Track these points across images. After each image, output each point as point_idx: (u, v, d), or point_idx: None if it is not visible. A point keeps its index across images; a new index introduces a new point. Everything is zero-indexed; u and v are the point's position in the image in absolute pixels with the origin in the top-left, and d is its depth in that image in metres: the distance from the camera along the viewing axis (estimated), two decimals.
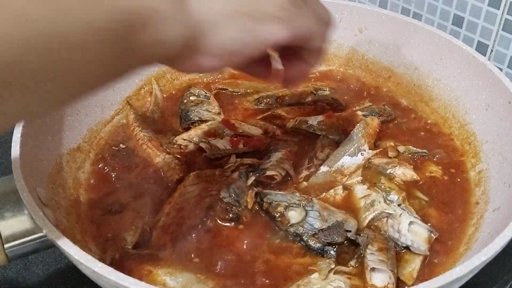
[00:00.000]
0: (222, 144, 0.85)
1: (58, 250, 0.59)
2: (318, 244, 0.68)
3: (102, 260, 0.63)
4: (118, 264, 0.67)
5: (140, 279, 0.64)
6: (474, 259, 0.55)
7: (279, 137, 0.89)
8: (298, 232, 0.70)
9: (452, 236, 0.73)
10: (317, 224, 0.69)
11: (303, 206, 0.72)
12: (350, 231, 0.69)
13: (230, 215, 0.73)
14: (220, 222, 0.73)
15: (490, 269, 0.63)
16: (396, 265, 0.66)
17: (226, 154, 0.83)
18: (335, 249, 0.68)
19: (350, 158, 0.81)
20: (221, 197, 0.74)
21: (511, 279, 0.76)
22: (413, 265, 0.68)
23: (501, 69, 0.96)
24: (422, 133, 0.91)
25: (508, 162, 0.75)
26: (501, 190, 0.74)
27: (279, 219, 0.72)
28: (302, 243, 0.69)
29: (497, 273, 0.76)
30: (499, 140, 0.79)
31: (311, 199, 0.73)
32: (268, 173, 0.78)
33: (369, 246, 0.67)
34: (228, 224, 0.73)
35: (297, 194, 0.74)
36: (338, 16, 1.04)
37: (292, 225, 0.70)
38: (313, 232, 0.69)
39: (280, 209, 0.72)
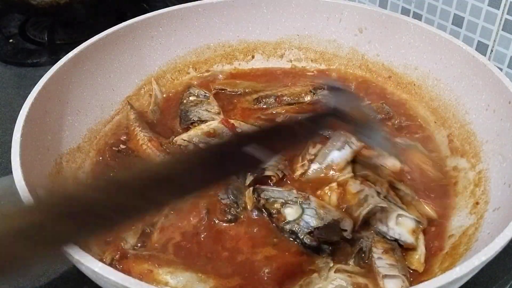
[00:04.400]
0: None
1: None
2: (313, 242, 0.68)
3: (102, 260, 0.63)
4: (118, 264, 0.67)
5: (141, 278, 0.64)
6: (474, 259, 0.55)
7: None
8: (293, 229, 0.70)
9: (452, 236, 0.73)
10: (313, 222, 0.69)
11: (299, 204, 0.72)
12: (346, 230, 0.69)
13: (229, 216, 0.73)
14: (218, 222, 0.73)
15: (490, 269, 0.63)
16: (406, 266, 0.67)
17: None
18: (330, 248, 0.68)
19: (339, 153, 0.81)
20: (219, 198, 0.74)
21: (511, 279, 0.76)
22: (419, 251, 0.68)
23: (501, 69, 0.95)
24: (422, 132, 0.91)
25: (508, 162, 0.75)
26: (501, 190, 0.74)
27: (275, 215, 0.72)
28: (298, 241, 0.69)
29: (497, 273, 0.76)
30: (499, 140, 0.79)
31: (308, 196, 0.73)
32: (267, 173, 0.78)
33: (374, 249, 0.67)
34: (226, 224, 0.73)
35: (294, 191, 0.74)
36: (338, 16, 1.04)
37: (288, 222, 0.70)
38: (309, 230, 0.69)
39: (277, 205, 0.72)
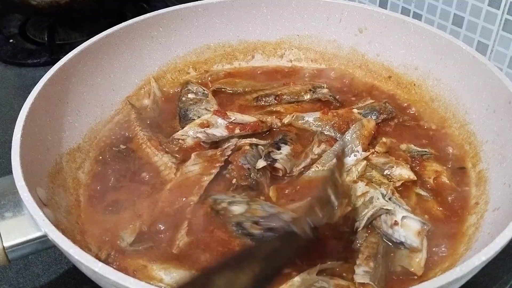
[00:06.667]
0: (218, 132, 0.86)
1: (58, 250, 0.59)
2: (258, 231, 0.69)
3: (97, 257, 0.63)
4: (114, 260, 0.67)
5: (135, 273, 0.64)
6: (474, 259, 0.55)
7: (280, 128, 0.89)
8: (239, 220, 0.71)
9: (452, 236, 0.73)
10: (259, 212, 0.70)
11: (246, 202, 0.73)
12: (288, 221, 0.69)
13: (250, 180, 0.75)
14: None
15: (490, 269, 0.63)
16: (382, 273, 0.66)
17: (224, 138, 0.85)
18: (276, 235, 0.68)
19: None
20: (240, 164, 0.77)
21: (511, 279, 0.76)
22: (420, 255, 0.68)
23: (501, 69, 0.96)
24: (422, 132, 0.91)
25: (508, 162, 0.75)
26: (501, 190, 0.74)
27: (222, 212, 0.73)
28: (244, 231, 0.70)
29: (497, 273, 0.76)
30: (499, 140, 0.79)
31: (256, 199, 0.74)
32: (277, 165, 0.79)
33: (360, 255, 0.67)
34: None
35: (243, 194, 0.75)
36: (338, 16, 1.04)
37: (234, 216, 0.71)
38: (254, 220, 0.70)
39: (224, 204, 0.73)
